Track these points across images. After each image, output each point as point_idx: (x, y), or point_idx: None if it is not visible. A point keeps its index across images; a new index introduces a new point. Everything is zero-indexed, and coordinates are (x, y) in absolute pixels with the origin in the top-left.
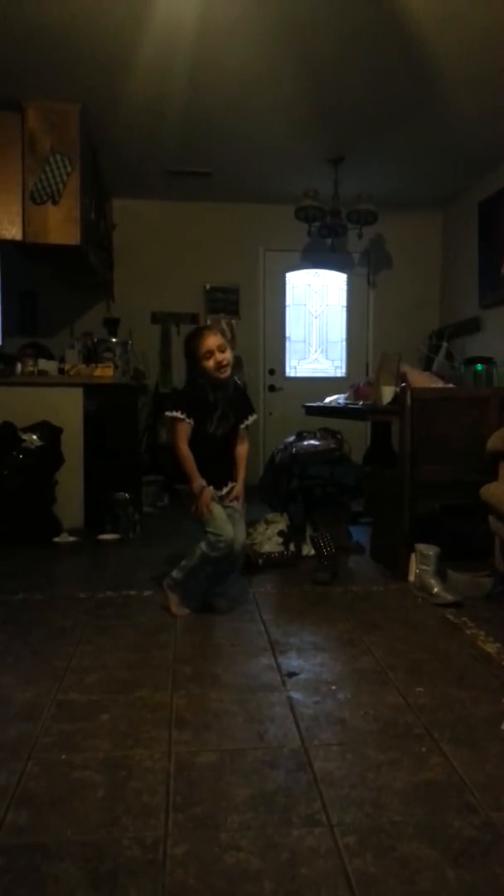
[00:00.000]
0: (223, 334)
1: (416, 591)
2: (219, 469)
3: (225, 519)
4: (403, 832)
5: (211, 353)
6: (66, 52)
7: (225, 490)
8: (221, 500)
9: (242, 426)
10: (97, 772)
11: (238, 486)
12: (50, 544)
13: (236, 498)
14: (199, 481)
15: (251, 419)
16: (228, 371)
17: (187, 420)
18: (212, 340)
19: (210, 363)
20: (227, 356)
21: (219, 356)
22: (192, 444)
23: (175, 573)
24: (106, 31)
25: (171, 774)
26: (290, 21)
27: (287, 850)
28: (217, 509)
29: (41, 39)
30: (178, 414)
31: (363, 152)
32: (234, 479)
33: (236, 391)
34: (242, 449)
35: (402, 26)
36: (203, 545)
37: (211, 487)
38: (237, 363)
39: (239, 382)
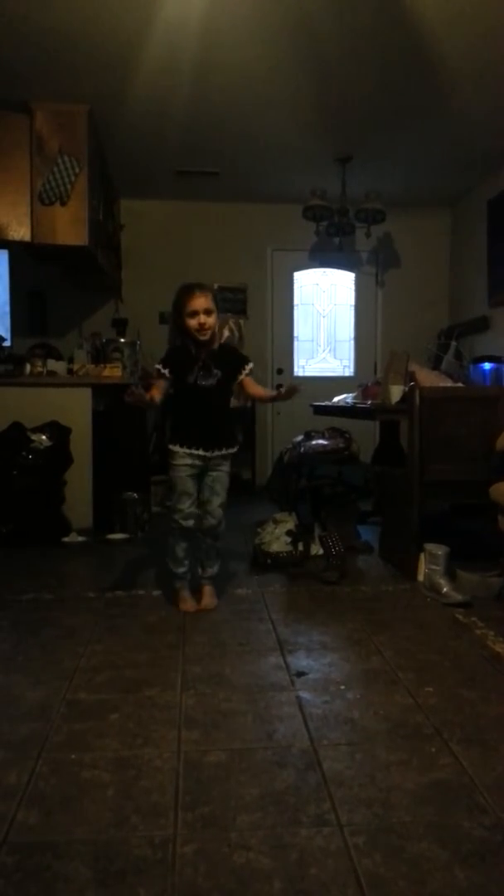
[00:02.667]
0: (213, 298)
1: (425, 591)
2: (207, 428)
3: (185, 491)
4: (413, 832)
5: (195, 313)
6: (73, 53)
7: (217, 454)
8: (209, 462)
9: (242, 376)
10: (106, 771)
11: (289, 389)
12: (59, 544)
13: (294, 390)
14: (149, 393)
15: (248, 367)
16: (209, 335)
17: (164, 370)
18: (199, 301)
19: (193, 322)
20: (212, 320)
21: (202, 318)
22: (177, 397)
23: (174, 570)
24: (113, 32)
25: (180, 774)
26: (296, 20)
27: (296, 850)
28: (181, 482)
29: (49, 41)
30: (158, 366)
31: (371, 151)
32: (230, 446)
33: (223, 349)
34: (257, 391)
35: (409, 25)
36: (172, 520)
37: (153, 399)
38: None
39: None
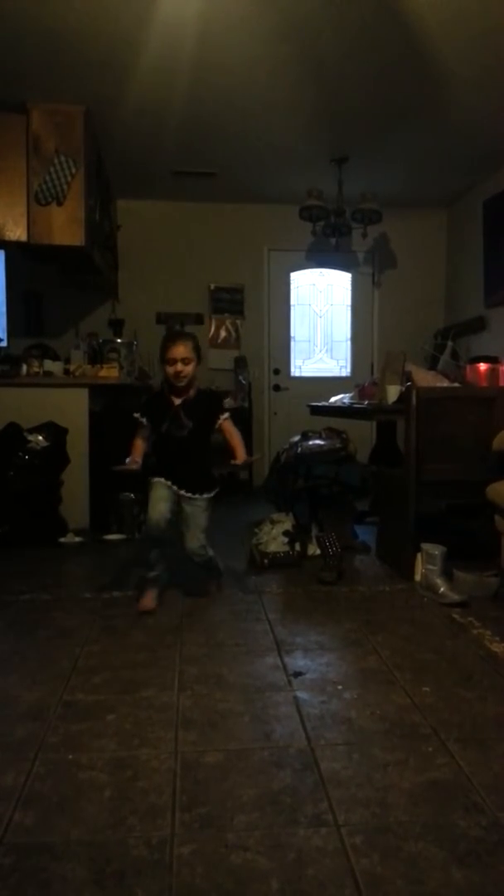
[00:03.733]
0: (193, 347)
1: (422, 591)
2: (181, 470)
3: (158, 499)
4: (410, 832)
5: (174, 361)
6: (70, 53)
7: (193, 496)
8: (185, 499)
9: (219, 423)
10: (103, 772)
11: (239, 456)
12: (56, 544)
13: (241, 461)
14: (132, 459)
15: (223, 417)
16: (185, 382)
17: (141, 419)
18: (178, 350)
19: (169, 370)
20: (189, 369)
21: (179, 367)
22: (156, 443)
23: (148, 573)
24: (110, 32)
25: (177, 774)
26: (293, 21)
27: (294, 850)
28: (154, 490)
29: (46, 41)
30: (136, 414)
31: (367, 152)
32: (205, 490)
33: (201, 396)
34: (231, 438)
35: (406, 25)
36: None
37: (136, 465)
38: (240, 363)
39: (214, 388)
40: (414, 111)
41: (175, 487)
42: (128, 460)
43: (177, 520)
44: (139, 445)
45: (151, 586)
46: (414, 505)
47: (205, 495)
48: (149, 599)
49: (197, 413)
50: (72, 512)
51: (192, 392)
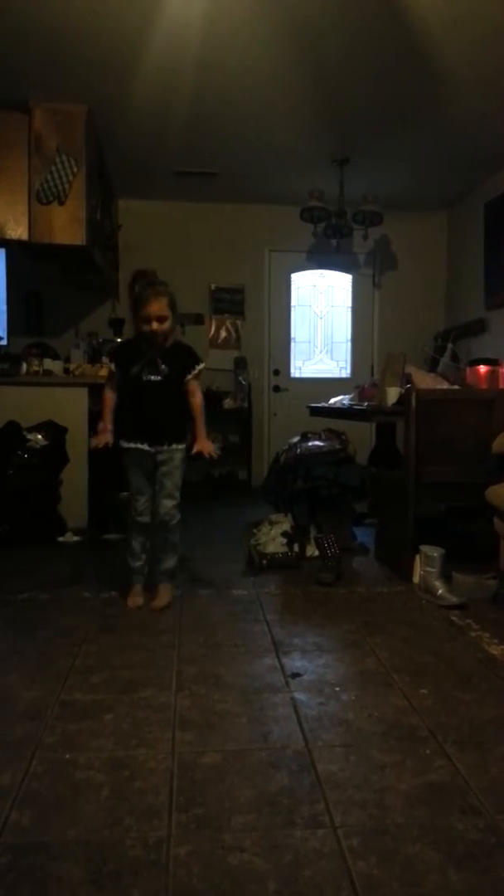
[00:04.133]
0: (169, 302)
1: (420, 593)
2: (156, 424)
3: (138, 479)
4: (407, 834)
5: (148, 320)
6: (73, 53)
7: (162, 449)
8: (156, 458)
9: (188, 377)
10: (101, 772)
11: (200, 442)
12: (54, 544)
13: (204, 455)
14: (104, 425)
15: (197, 368)
16: (159, 339)
17: (110, 364)
18: (153, 308)
19: (145, 328)
20: (165, 328)
21: (154, 326)
22: (126, 391)
23: (130, 563)
24: (112, 32)
25: (174, 775)
26: (295, 22)
27: (290, 852)
28: (133, 478)
29: (48, 40)
30: (104, 359)
31: (369, 153)
32: (180, 440)
33: (177, 346)
34: (195, 401)
35: (408, 27)
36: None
37: (108, 435)
38: (240, 363)
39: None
40: (415, 113)
41: (148, 446)
42: (99, 427)
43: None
44: (108, 402)
45: (138, 579)
46: (413, 507)
47: (180, 445)
48: (137, 595)
49: (172, 360)
50: (71, 511)
51: (168, 342)
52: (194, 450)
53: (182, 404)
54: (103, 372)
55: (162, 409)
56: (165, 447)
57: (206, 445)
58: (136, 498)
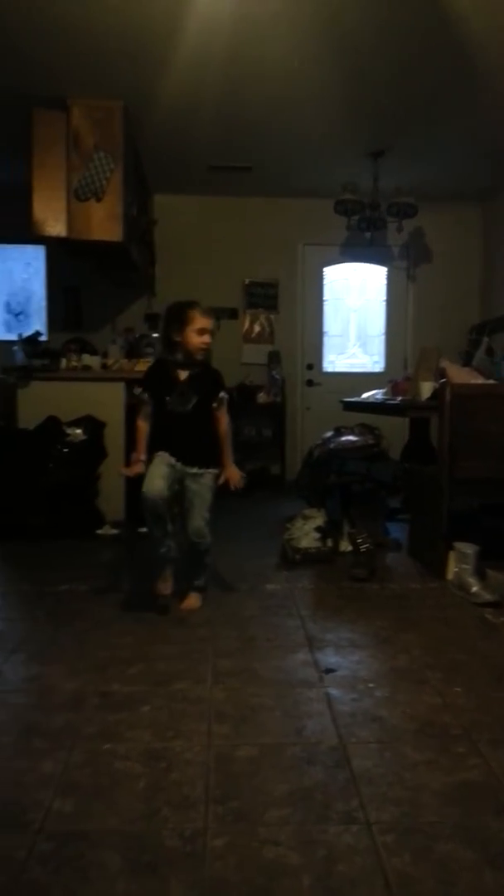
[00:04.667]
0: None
1: (454, 590)
2: (185, 448)
3: (156, 475)
4: (441, 833)
5: (204, 332)
6: (107, 49)
7: (195, 470)
8: (185, 476)
9: (214, 405)
10: (138, 762)
11: (227, 469)
12: (93, 536)
13: (230, 485)
14: (137, 455)
15: (220, 397)
16: (204, 355)
17: (143, 396)
18: (208, 321)
19: (198, 340)
20: (210, 342)
21: (207, 338)
22: (157, 418)
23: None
24: (146, 27)
25: (210, 767)
26: (329, 14)
27: (325, 847)
28: (153, 467)
29: (84, 38)
30: (138, 390)
31: (403, 145)
32: (211, 464)
33: (207, 372)
34: (221, 429)
35: (443, 18)
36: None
37: (141, 465)
38: (274, 358)
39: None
40: (451, 104)
41: (180, 464)
42: (133, 456)
43: (178, 500)
44: (143, 432)
45: (165, 566)
46: (447, 503)
47: (211, 469)
48: (165, 582)
49: (202, 387)
50: (109, 504)
51: (200, 367)
52: (221, 479)
53: (211, 429)
54: (140, 367)
55: (193, 438)
56: (196, 469)
57: (233, 474)
58: (149, 481)
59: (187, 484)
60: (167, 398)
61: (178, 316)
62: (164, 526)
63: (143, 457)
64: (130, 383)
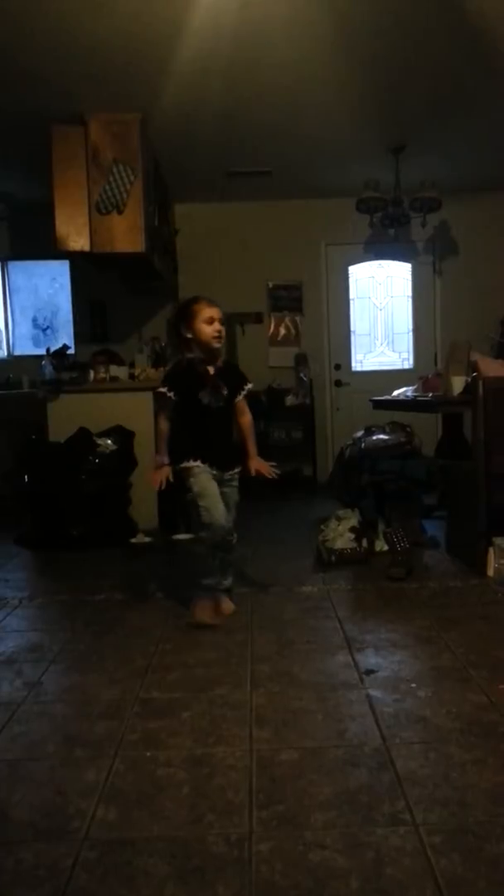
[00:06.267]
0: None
1: (495, 586)
2: (221, 449)
3: (214, 495)
4: (491, 833)
5: (213, 320)
6: (123, 62)
7: (229, 474)
8: (223, 481)
9: (239, 397)
10: (181, 769)
11: (254, 460)
12: (127, 545)
13: (264, 474)
14: (161, 457)
15: (247, 388)
16: (222, 343)
17: (169, 393)
18: (214, 310)
19: (209, 329)
20: (224, 329)
21: (218, 326)
22: (188, 418)
23: (205, 580)
24: (159, 40)
25: (253, 772)
26: (345, 11)
27: (372, 849)
28: (208, 488)
29: (99, 53)
30: (163, 389)
31: (425, 139)
32: (238, 462)
33: (227, 364)
34: (245, 420)
35: (462, 8)
36: (203, 533)
37: (168, 469)
38: (301, 360)
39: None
40: (471, 96)
41: (216, 471)
42: (157, 460)
43: None
44: (165, 433)
45: (213, 595)
46: (484, 498)
47: (238, 469)
48: (211, 610)
49: (230, 380)
50: (141, 513)
51: (220, 360)
52: (252, 471)
53: (235, 425)
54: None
55: (226, 435)
56: (231, 471)
57: (262, 465)
58: (215, 507)
59: (222, 489)
60: (200, 393)
61: (184, 313)
62: (225, 554)
63: (166, 460)
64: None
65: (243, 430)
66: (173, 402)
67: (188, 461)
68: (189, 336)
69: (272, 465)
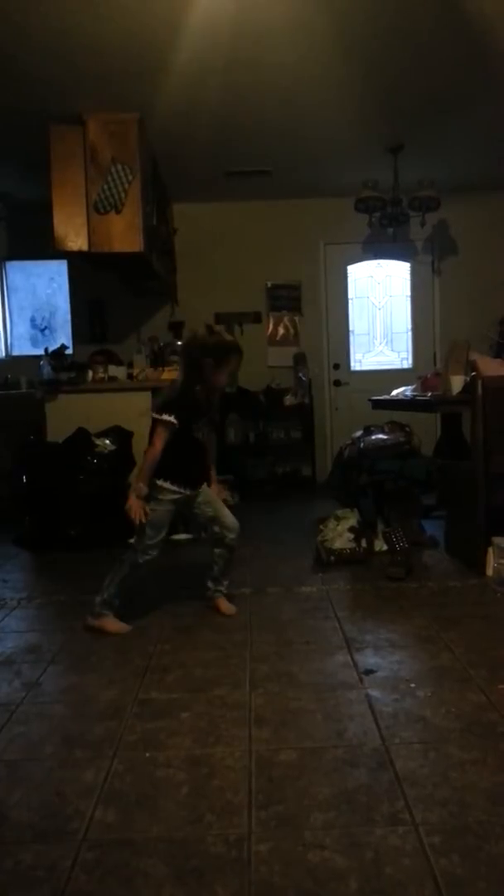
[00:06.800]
0: None
1: (495, 586)
2: (199, 470)
3: (164, 523)
4: (490, 833)
5: (232, 374)
6: (121, 62)
7: (196, 490)
8: (191, 500)
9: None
10: (180, 769)
11: (215, 486)
12: (125, 546)
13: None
14: (144, 488)
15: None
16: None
17: (174, 421)
18: (237, 364)
19: (224, 381)
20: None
21: (230, 379)
22: (176, 446)
23: (102, 596)
24: (158, 40)
25: (252, 772)
26: (343, 11)
27: (371, 849)
28: (163, 517)
29: (97, 52)
30: (170, 418)
31: (423, 139)
32: (206, 481)
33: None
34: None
35: (460, 8)
36: (132, 554)
37: (144, 505)
38: (300, 359)
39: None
40: (469, 95)
41: (188, 491)
42: (138, 489)
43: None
44: (154, 461)
45: (110, 610)
46: (484, 497)
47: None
48: (119, 623)
49: (213, 420)
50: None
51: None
52: (216, 491)
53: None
54: (166, 375)
55: (203, 458)
56: (199, 489)
57: (223, 492)
58: (156, 535)
59: (197, 502)
60: (195, 426)
61: (217, 354)
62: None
63: (146, 490)
64: (156, 392)
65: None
66: (174, 431)
67: (164, 481)
68: (208, 375)
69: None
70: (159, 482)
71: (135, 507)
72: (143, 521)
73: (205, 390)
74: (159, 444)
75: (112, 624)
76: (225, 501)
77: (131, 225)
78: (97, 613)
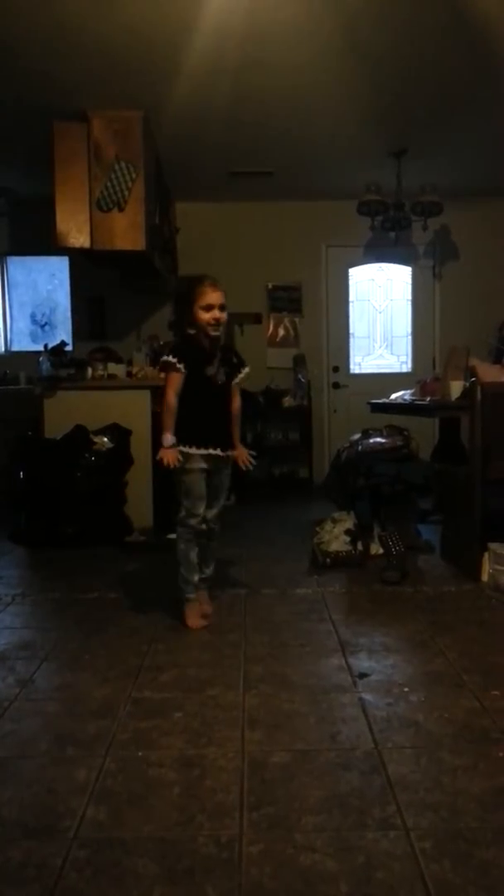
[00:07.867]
0: (224, 294)
1: (489, 592)
2: (221, 428)
3: (200, 489)
4: (482, 838)
5: (211, 307)
6: (127, 60)
7: (226, 454)
8: (220, 463)
9: (237, 379)
10: (172, 769)
11: (239, 450)
12: (121, 544)
13: (239, 464)
14: (170, 436)
15: (244, 372)
16: (220, 331)
17: (178, 365)
18: (215, 295)
19: (206, 316)
20: (225, 316)
21: (217, 313)
22: (192, 393)
23: (179, 580)
24: (163, 40)
25: (244, 774)
26: (348, 15)
27: (362, 853)
28: (196, 486)
29: (102, 50)
30: (172, 359)
31: (426, 143)
32: (232, 444)
33: (227, 348)
34: (235, 406)
35: (464, 13)
36: (179, 529)
37: (177, 451)
38: (299, 361)
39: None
40: (473, 100)
41: (211, 450)
42: (165, 439)
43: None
44: (172, 408)
45: (198, 597)
46: (480, 503)
47: (231, 451)
48: (199, 617)
49: (227, 362)
50: (136, 511)
51: (220, 343)
52: (241, 461)
53: None
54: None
55: (226, 413)
56: (230, 451)
57: (242, 453)
58: (197, 505)
59: (218, 477)
60: (206, 367)
61: (186, 299)
62: (208, 539)
63: (174, 439)
64: (156, 391)
65: (231, 415)
66: (183, 377)
67: (188, 447)
68: (191, 319)
69: (250, 454)
70: (182, 448)
71: (165, 456)
72: (176, 466)
73: (199, 332)
74: (171, 391)
75: (191, 618)
76: (245, 468)
77: (134, 223)
78: (184, 599)
